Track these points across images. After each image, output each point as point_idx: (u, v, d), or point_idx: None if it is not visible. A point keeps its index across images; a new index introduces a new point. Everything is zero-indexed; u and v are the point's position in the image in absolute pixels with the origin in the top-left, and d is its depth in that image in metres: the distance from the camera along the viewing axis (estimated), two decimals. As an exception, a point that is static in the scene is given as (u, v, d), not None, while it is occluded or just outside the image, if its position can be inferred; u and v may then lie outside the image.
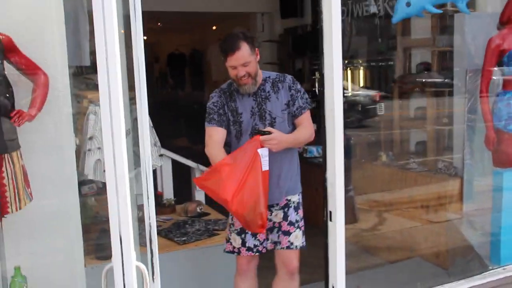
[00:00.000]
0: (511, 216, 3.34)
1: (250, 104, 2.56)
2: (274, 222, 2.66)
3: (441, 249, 3.94)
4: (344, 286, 2.44)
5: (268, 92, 2.58)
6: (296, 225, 2.68)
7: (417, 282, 3.15)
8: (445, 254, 3.88)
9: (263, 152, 2.42)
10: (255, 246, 2.65)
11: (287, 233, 2.66)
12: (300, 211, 2.71)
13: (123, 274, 1.59)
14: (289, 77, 2.66)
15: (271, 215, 2.63)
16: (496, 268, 3.23)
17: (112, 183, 1.58)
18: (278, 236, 2.67)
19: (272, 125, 2.54)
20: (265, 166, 2.43)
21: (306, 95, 2.64)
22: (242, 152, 2.43)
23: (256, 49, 2.52)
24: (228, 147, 2.65)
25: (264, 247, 2.68)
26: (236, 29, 2.54)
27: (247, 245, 2.64)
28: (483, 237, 3.61)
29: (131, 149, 2.68)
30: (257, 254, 2.68)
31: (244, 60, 2.44)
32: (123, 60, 2.41)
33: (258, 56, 2.54)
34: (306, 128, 2.60)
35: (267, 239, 2.68)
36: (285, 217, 2.66)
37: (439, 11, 2.99)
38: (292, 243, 2.66)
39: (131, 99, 2.31)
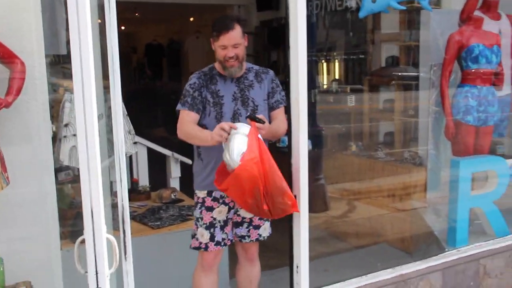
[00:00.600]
0: (466, 202, 3.52)
1: (232, 89, 2.59)
2: (244, 218, 2.69)
3: (405, 235, 4.11)
4: (307, 265, 2.55)
5: (252, 81, 2.63)
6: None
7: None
8: (409, 239, 4.04)
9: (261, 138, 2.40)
10: (223, 239, 2.65)
11: (258, 227, 2.71)
12: None
13: (94, 245, 1.69)
14: (271, 71, 2.73)
15: (241, 208, 2.63)
16: (452, 250, 3.41)
17: (85, 161, 1.69)
18: (249, 231, 2.70)
19: (254, 112, 2.58)
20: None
21: (283, 93, 2.70)
22: (250, 142, 2.30)
23: (245, 35, 2.56)
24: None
25: (229, 240, 2.70)
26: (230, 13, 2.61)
27: (216, 239, 2.63)
28: (443, 223, 3.79)
29: (105, 136, 2.76)
30: (223, 247, 2.69)
31: (236, 41, 2.47)
32: (98, 49, 2.50)
33: (246, 42, 2.57)
34: (282, 121, 2.64)
35: (232, 232, 2.70)
36: None
37: (403, 7, 3.13)
38: (260, 235, 2.72)
39: (106, 88, 2.38)
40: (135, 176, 4.20)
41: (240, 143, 2.29)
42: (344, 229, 4.38)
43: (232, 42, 2.47)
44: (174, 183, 4.35)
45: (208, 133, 2.46)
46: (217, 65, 2.62)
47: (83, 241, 1.76)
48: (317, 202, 4.49)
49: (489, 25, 3.62)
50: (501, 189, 3.65)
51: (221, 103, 2.57)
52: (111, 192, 2.69)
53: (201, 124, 2.59)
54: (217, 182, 2.41)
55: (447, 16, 3.91)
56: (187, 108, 2.56)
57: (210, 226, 2.64)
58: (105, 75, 2.33)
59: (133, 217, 3.64)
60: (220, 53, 2.51)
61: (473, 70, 3.55)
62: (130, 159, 4.10)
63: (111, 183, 2.64)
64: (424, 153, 4.18)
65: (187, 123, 2.56)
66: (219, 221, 2.64)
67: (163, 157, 4.38)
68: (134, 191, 4.01)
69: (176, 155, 4.27)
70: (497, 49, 3.54)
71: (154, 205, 3.90)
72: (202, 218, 2.66)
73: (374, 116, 4.91)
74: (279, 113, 2.67)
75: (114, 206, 2.42)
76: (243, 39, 2.52)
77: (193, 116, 2.57)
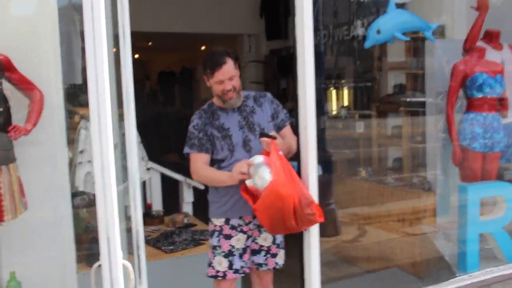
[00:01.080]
0: (475, 227, 3.53)
1: (236, 119, 2.60)
2: (261, 246, 2.68)
3: (416, 260, 4.09)
4: (318, 290, 2.56)
5: (252, 106, 2.65)
6: (281, 245, 2.71)
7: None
8: (420, 264, 4.02)
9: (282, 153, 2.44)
10: (241, 267, 2.62)
11: (275, 256, 2.70)
12: None
13: (110, 271, 1.74)
14: (268, 93, 2.76)
15: (259, 236, 2.65)
16: (463, 275, 3.41)
17: (100, 187, 1.74)
18: (266, 259, 2.68)
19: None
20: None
21: (285, 110, 2.73)
22: (273, 162, 2.35)
23: (237, 64, 2.56)
24: (221, 161, 2.62)
25: (248, 268, 2.67)
26: (216, 47, 2.62)
27: (234, 267, 2.60)
28: (453, 247, 3.79)
29: (120, 163, 2.84)
30: (241, 275, 2.66)
31: (230, 74, 2.49)
32: (113, 77, 2.60)
33: (239, 72, 2.59)
34: (292, 138, 2.63)
35: (250, 260, 2.69)
36: (274, 240, 2.68)
37: (407, 38, 3.22)
38: (277, 263, 2.71)
39: (120, 115, 2.46)
40: (148, 201, 4.26)
41: (264, 172, 2.34)
42: (355, 254, 4.38)
43: (228, 76, 2.49)
44: (187, 207, 4.41)
45: (227, 176, 2.49)
46: (215, 100, 2.64)
47: (99, 266, 1.81)
48: (328, 227, 4.48)
49: (491, 54, 3.69)
50: (510, 214, 3.66)
51: (229, 135, 2.58)
52: (126, 216, 2.75)
53: (216, 160, 2.60)
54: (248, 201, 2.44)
55: (451, 44, 3.99)
56: (196, 151, 2.58)
57: (229, 254, 2.61)
58: (120, 104, 2.40)
59: (147, 241, 3.67)
60: (218, 88, 2.53)
61: (478, 98, 3.61)
62: (144, 184, 4.17)
63: (125, 207, 2.70)
64: (432, 178, 4.20)
65: (202, 167, 2.58)
66: (238, 249, 2.62)
67: (176, 182, 4.45)
68: (147, 216, 4.06)
69: (189, 181, 4.35)
70: (500, 78, 3.60)
71: (167, 229, 3.94)
72: (220, 246, 2.62)
73: (382, 142, 4.95)
74: (287, 131, 2.70)
75: (129, 230, 2.47)
76: (236, 70, 2.54)
77: (205, 157, 2.59)
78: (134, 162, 2.35)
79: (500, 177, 3.93)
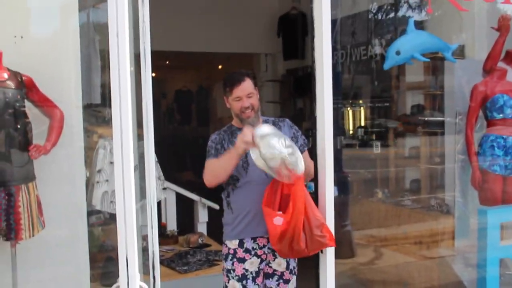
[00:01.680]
0: (495, 252, 3.45)
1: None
2: (275, 270, 2.64)
3: (434, 284, 4.03)
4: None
5: None
6: (294, 271, 2.68)
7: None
8: (437, 289, 3.99)
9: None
10: None
11: (287, 282, 2.66)
12: None
13: (128, 293, 1.74)
14: (287, 119, 2.77)
15: (274, 261, 2.63)
16: (483, 303, 3.33)
17: (121, 210, 1.74)
18: (278, 284, 2.64)
19: None
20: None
21: (303, 136, 2.74)
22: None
23: (257, 87, 2.60)
24: (235, 181, 2.61)
25: None
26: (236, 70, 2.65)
27: None
28: (472, 272, 3.71)
29: (138, 182, 2.85)
30: None
31: (249, 90, 2.51)
32: (133, 96, 2.62)
33: (258, 95, 2.59)
34: (310, 162, 2.55)
35: (263, 283, 2.65)
36: (287, 266, 2.65)
37: (427, 59, 3.20)
38: None
39: (139, 135, 2.47)
40: (163, 220, 4.26)
41: (272, 140, 2.26)
42: (370, 277, 4.32)
43: (246, 92, 2.51)
44: (202, 228, 4.40)
45: (232, 151, 2.43)
46: (234, 121, 2.66)
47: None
48: (344, 249, 4.44)
49: (512, 76, 3.66)
50: (532, 239, 3.59)
51: (245, 153, 2.52)
52: (141, 235, 2.75)
53: (231, 177, 2.57)
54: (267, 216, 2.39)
55: (471, 64, 3.96)
56: (211, 157, 2.59)
57: (243, 278, 2.59)
58: (139, 123, 2.42)
59: (161, 261, 3.63)
60: (236, 106, 2.54)
61: (498, 120, 3.56)
62: (159, 203, 4.17)
63: (141, 226, 2.70)
64: (451, 201, 4.15)
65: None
66: (251, 273, 2.59)
67: (191, 201, 4.45)
68: (162, 235, 4.06)
69: (204, 200, 4.34)
70: (521, 99, 3.56)
71: (181, 249, 3.94)
72: (234, 270, 2.60)
73: (400, 163, 4.91)
74: (305, 156, 2.66)
75: (144, 249, 2.47)
76: (255, 90, 2.56)
77: None
78: (152, 182, 2.34)
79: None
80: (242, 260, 2.60)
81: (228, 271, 2.62)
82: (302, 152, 2.65)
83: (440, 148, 4.44)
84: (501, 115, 3.55)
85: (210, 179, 2.55)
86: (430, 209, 4.28)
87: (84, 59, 3.07)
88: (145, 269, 2.38)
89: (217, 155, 2.58)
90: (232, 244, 2.62)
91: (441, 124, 4.29)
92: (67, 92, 2.86)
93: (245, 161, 2.57)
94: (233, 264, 2.61)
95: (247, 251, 2.60)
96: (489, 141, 3.58)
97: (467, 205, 3.98)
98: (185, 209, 4.45)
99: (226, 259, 2.65)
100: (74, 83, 2.90)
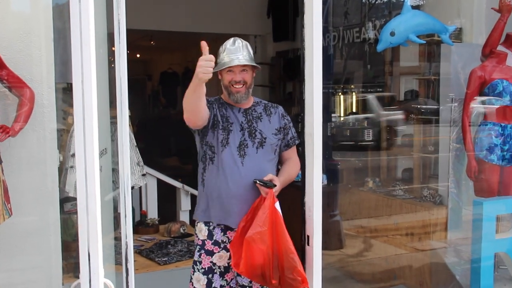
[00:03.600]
0: (490, 246, 3.34)
1: (239, 119, 2.51)
2: None
3: (425, 277, 3.94)
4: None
5: (260, 113, 2.56)
6: None
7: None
8: (428, 282, 3.88)
9: (278, 207, 2.39)
10: (222, 286, 2.52)
11: None
12: None
13: (90, 291, 1.58)
14: (281, 107, 2.67)
15: None
16: (476, 298, 3.23)
17: (83, 199, 1.59)
18: (251, 281, 2.52)
19: (261, 144, 2.50)
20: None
21: (294, 130, 2.65)
22: (261, 212, 2.34)
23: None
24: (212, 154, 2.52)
25: (230, 287, 2.56)
26: None
27: (213, 285, 2.50)
28: (465, 265, 3.61)
29: (109, 168, 2.68)
30: None
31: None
32: (105, 78, 2.44)
33: (254, 74, 2.54)
34: (295, 162, 2.57)
35: (235, 280, 2.56)
36: None
37: (423, 41, 3.07)
38: (263, 286, 2.56)
39: (113, 117, 2.32)
40: (143, 208, 4.12)
41: None
42: (359, 269, 4.24)
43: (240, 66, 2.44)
44: (184, 216, 4.27)
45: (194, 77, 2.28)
46: (223, 95, 2.58)
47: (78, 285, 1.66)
48: (332, 239, 4.37)
49: (512, 60, 3.52)
50: (529, 232, 3.47)
51: (229, 129, 2.48)
52: (118, 225, 2.60)
53: (208, 143, 2.50)
54: (234, 264, 2.38)
55: (468, 49, 3.83)
56: None
57: (209, 271, 2.51)
58: (114, 105, 2.28)
59: (139, 252, 3.54)
60: (227, 78, 2.47)
61: (496, 107, 3.42)
62: (139, 190, 4.02)
63: (118, 214, 2.55)
64: (444, 191, 4.04)
65: None
66: (219, 267, 2.51)
67: (173, 188, 4.30)
68: (142, 224, 3.94)
69: (187, 188, 4.19)
70: (522, 85, 3.43)
71: (162, 239, 3.81)
72: (200, 262, 2.53)
73: (392, 151, 4.79)
74: (293, 152, 2.62)
75: (119, 239, 2.31)
76: (250, 66, 2.49)
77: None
78: (127, 167, 2.21)
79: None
80: (210, 253, 2.52)
81: (195, 262, 2.55)
82: (291, 145, 2.61)
83: (434, 136, 4.32)
84: (499, 101, 3.42)
85: (187, 114, 2.42)
86: (422, 200, 4.18)
87: (60, 36, 2.88)
88: (119, 260, 2.25)
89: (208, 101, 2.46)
90: (202, 234, 2.53)
91: (436, 111, 4.16)
92: (37, 70, 2.71)
93: (225, 138, 2.47)
94: (200, 255, 2.53)
95: (216, 243, 2.51)
96: (486, 129, 3.49)
97: (461, 196, 3.89)
98: (166, 196, 4.30)
99: (195, 249, 2.57)
100: (45, 61, 2.75)
